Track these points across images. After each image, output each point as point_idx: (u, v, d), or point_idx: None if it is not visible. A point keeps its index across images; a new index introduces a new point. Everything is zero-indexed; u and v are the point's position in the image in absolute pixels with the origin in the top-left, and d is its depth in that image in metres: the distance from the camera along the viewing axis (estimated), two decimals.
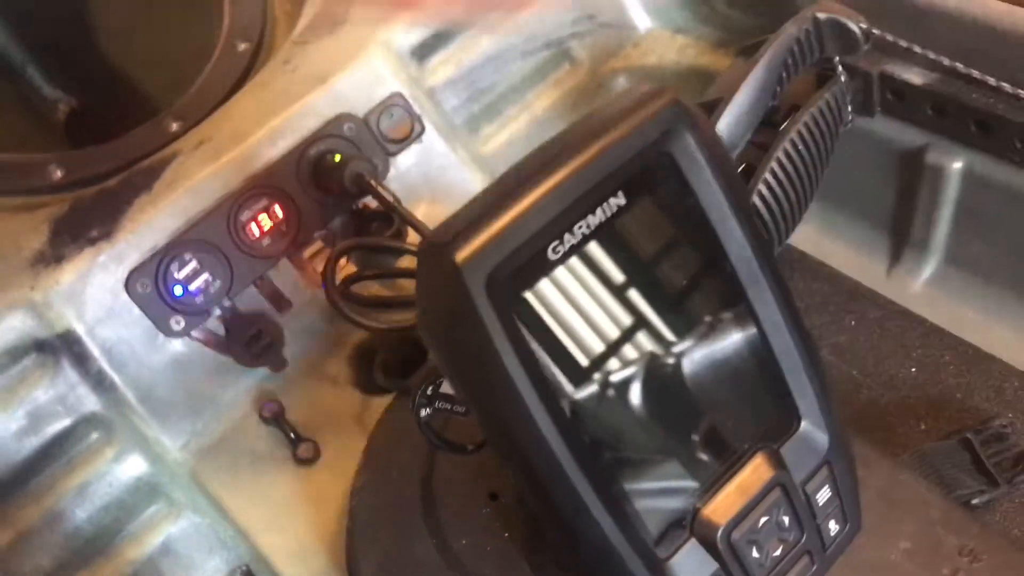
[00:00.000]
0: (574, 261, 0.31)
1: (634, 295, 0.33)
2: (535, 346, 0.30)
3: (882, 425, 0.65)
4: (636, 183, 0.31)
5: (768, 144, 0.63)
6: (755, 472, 0.36)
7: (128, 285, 0.64)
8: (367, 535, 0.51)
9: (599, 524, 0.32)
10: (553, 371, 0.31)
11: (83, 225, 0.65)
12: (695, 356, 0.34)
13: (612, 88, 0.80)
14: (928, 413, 0.65)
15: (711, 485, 0.35)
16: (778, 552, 0.36)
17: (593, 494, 0.32)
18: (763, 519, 0.35)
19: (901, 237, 0.71)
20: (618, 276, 0.32)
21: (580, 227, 0.31)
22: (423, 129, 0.72)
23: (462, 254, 0.28)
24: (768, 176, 0.62)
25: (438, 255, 0.28)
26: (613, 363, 0.32)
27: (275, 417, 0.65)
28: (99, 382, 0.63)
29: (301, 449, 0.63)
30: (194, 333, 0.66)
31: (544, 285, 0.30)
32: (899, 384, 0.67)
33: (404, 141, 0.71)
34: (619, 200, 0.31)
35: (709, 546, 0.35)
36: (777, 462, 0.36)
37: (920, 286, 0.71)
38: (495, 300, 0.29)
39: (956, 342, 0.67)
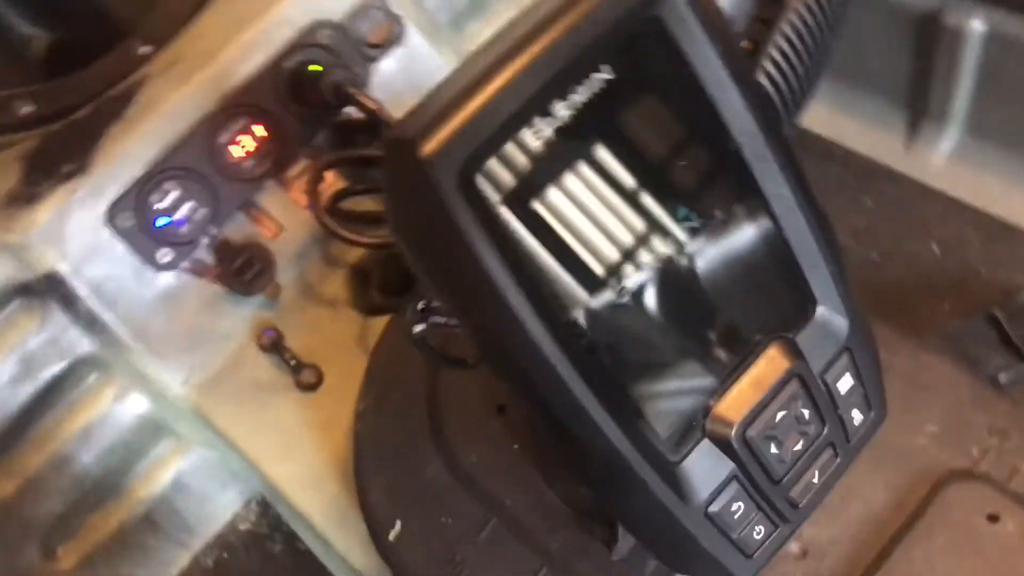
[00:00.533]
0: (559, 146, 0.28)
1: (631, 184, 0.29)
2: (520, 246, 0.28)
3: (905, 307, 0.62)
4: (621, 54, 0.28)
5: (773, 19, 0.59)
6: (770, 364, 0.33)
7: (109, 219, 0.61)
8: (374, 459, 0.50)
9: (602, 430, 0.30)
10: (542, 271, 0.28)
11: (56, 160, 0.62)
12: (703, 247, 0.31)
13: None
14: (952, 291, 0.62)
15: (724, 382, 0.32)
16: (799, 447, 0.34)
17: (595, 400, 0.29)
18: (780, 413, 0.33)
19: (918, 109, 0.67)
20: (612, 165, 0.29)
21: (562, 107, 0.27)
22: (404, 31, 0.68)
23: (428, 147, 0.25)
24: (773, 51, 0.58)
25: (402, 151, 0.25)
26: (608, 261, 0.29)
27: (274, 345, 0.63)
28: (90, 322, 0.62)
29: (303, 375, 0.61)
30: (183, 264, 0.63)
31: (527, 174, 0.27)
32: (921, 263, 0.64)
33: (385, 45, 0.67)
34: (603, 75, 0.28)
35: (724, 445, 0.32)
36: (793, 352, 0.33)
37: (940, 160, 0.67)
38: (470, 197, 0.26)
39: (979, 216, 0.64)
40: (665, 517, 0.32)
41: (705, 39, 0.29)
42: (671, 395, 0.32)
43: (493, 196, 0.27)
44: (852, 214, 0.67)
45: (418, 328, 0.39)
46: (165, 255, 0.63)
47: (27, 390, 0.61)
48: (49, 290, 0.60)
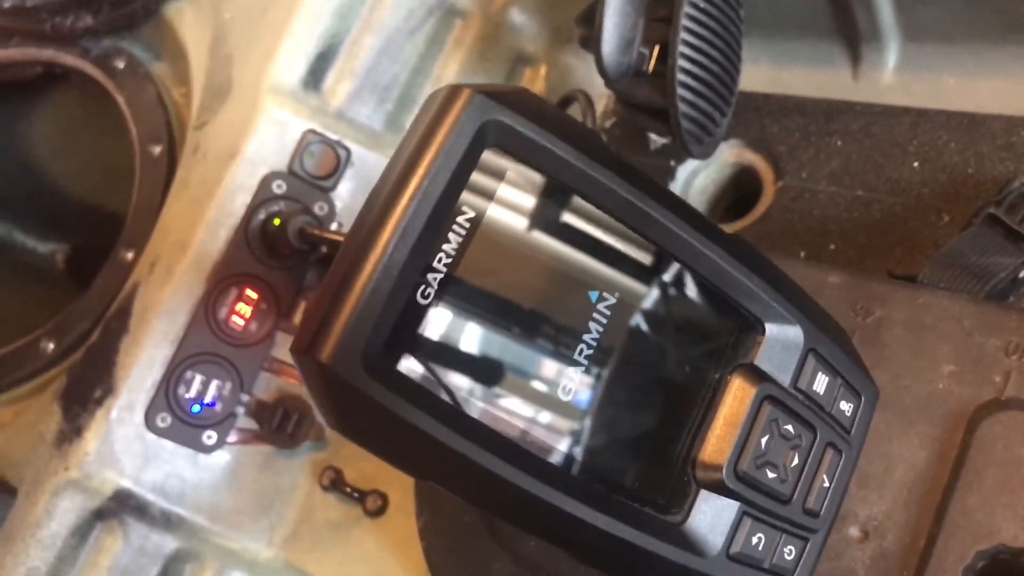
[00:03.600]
0: (453, 293, 0.29)
1: (531, 298, 0.31)
2: (448, 395, 0.29)
3: (905, 234, 0.62)
4: (477, 191, 0.29)
5: (671, 14, 0.59)
6: (737, 396, 0.34)
7: (148, 425, 0.65)
8: (447, 570, 0.52)
9: (600, 528, 0.31)
10: (480, 409, 0.29)
11: (86, 390, 0.66)
12: (627, 320, 0.32)
13: (513, 25, 0.76)
14: (946, 202, 0.61)
15: (698, 430, 0.33)
16: (795, 462, 0.34)
17: (574, 501, 0.31)
18: (765, 438, 0.34)
19: (850, 35, 0.66)
20: (509, 288, 0.30)
21: (440, 260, 0.29)
22: (348, 152, 0.70)
23: (324, 352, 0.27)
24: (685, 41, 0.58)
25: (307, 363, 0.27)
26: (545, 377, 0.31)
27: (333, 483, 0.66)
28: (166, 521, 0.65)
29: (368, 503, 0.64)
30: (229, 439, 0.67)
31: (430, 331, 0.29)
32: (906, 185, 0.63)
33: (336, 172, 0.69)
34: (467, 214, 0.29)
35: (720, 488, 0.33)
36: (755, 376, 0.34)
37: (890, 76, 0.67)
38: (386, 378, 0.28)
39: (947, 117, 0.63)
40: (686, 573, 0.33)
41: (549, 140, 0.30)
42: (652, 465, 0.33)
43: (413, 366, 0.28)
44: (825, 160, 0.67)
45: None
46: (210, 437, 0.66)
47: None
48: (120, 507, 0.64)
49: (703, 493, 0.34)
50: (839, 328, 0.36)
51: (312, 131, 0.69)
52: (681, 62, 0.58)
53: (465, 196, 0.29)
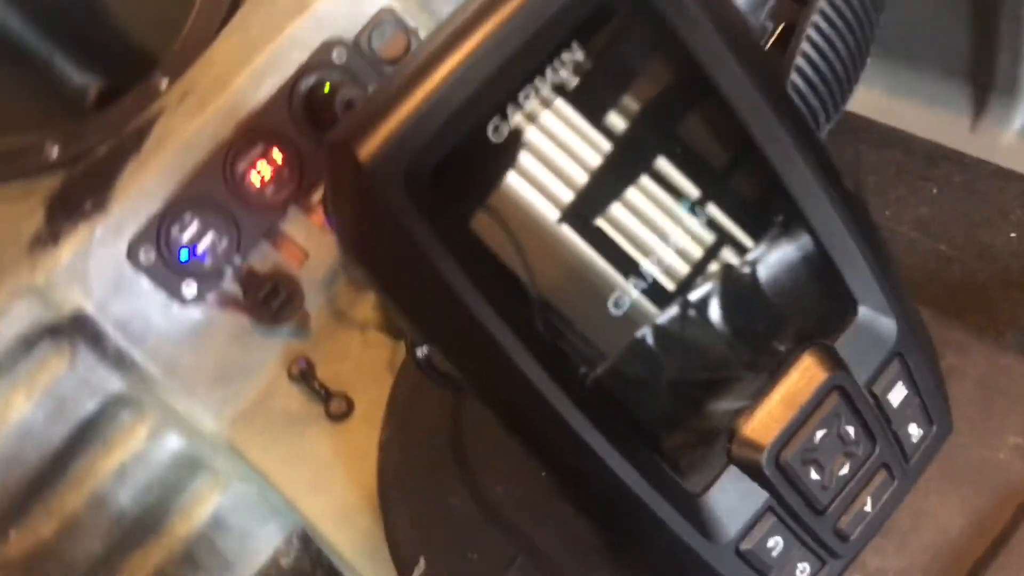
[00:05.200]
0: (528, 141, 0.24)
1: (621, 178, 0.26)
2: (490, 256, 0.24)
3: (980, 303, 0.56)
4: (593, 28, 0.24)
5: None
6: (804, 376, 0.28)
7: (131, 255, 0.60)
8: (398, 491, 0.47)
9: (605, 461, 0.26)
10: (519, 283, 0.24)
11: (76, 199, 0.61)
12: (714, 251, 0.27)
13: None
14: None
15: (752, 400, 0.28)
16: (845, 470, 0.29)
17: (592, 426, 0.25)
18: (820, 432, 0.28)
19: (983, 83, 0.61)
20: (592, 168, 0.25)
21: (526, 96, 0.24)
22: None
23: (366, 149, 0.22)
24: (812, 32, 0.53)
25: (340, 156, 0.22)
26: (595, 268, 0.25)
27: (303, 375, 0.61)
28: (119, 360, 0.60)
29: (332, 404, 0.59)
30: (209, 297, 0.62)
31: (488, 175, 0.24)
32: (996, 254, 0.58)
33: (401, 59, 0.64)
34: (574, 55, 0.24)
35: (754, 472, 0.28)
36: (831, 360, 0.29)
37: (1012, 137, 0.61)
38: (424, 204, 0.23)
39: None
40: (690, 558, 0.28)
41: (701, 13, 0.25)
42: (688, 417, 0.27)
43: (456, 204, 0.23)
44: (916, 204, 0.62)
45: (421, 351, 0.36)
46: (190, 289, 0.61)
47: (61, 430, 0.60)
48: (76, 330, 0.59)
49: (732, 470, 0.28)
50: (931, 343, 0.31)
51: (390, 9, 0.64)
52: (800, 58, 0.53)
53: (575, 45, 0.24)
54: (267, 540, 0.66)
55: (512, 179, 0.24)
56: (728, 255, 0.27)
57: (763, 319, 0.28)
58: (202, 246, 0.61)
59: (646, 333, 0.26)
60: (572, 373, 0.25)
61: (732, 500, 0.28)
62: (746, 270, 0.27)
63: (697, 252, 0.27)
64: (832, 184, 0.28)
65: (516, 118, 0.24)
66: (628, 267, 0.26)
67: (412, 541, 0.44)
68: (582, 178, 0.25)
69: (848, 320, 0.30)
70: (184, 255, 0.60)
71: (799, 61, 0.54)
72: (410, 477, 0.46)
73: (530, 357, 0.24)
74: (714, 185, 0.27)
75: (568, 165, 0.25)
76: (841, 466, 0.29)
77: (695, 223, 0.27)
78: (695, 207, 0.27)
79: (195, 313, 0.61)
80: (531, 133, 0.24)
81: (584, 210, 0.25)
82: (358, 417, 0.59)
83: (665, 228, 0.26)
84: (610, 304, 0.26)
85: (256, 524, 0.66)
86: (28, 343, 0.59)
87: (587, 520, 0.28)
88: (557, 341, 0.25)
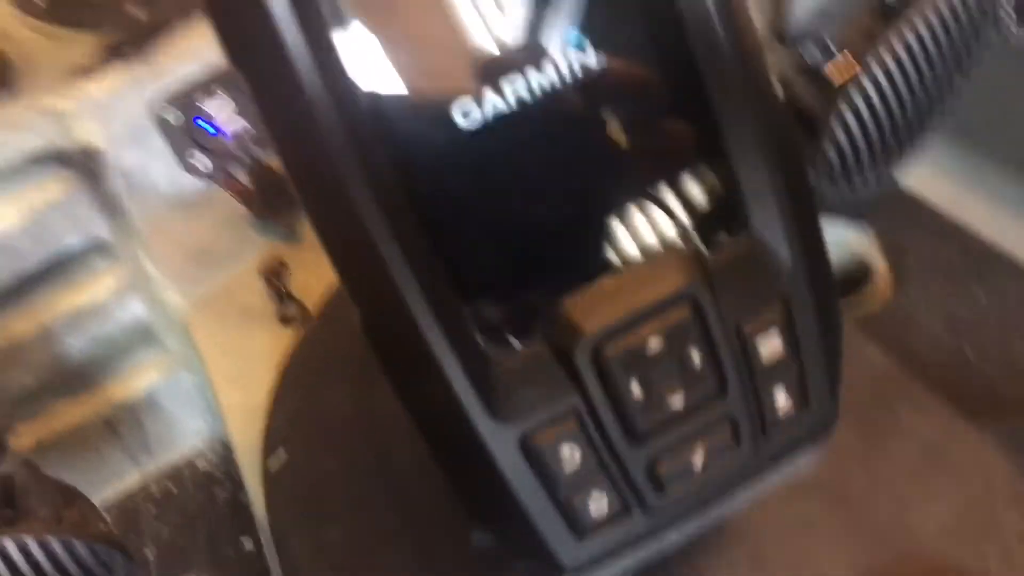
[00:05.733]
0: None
1: None
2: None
3: (992, 404, 0.50)
4: None
5: (881, 34, 0.50)
6: (657, 272, 0.24)
7: (157, 111, 0.60)
8: (290, 388, 0.44)
9: (395, 284, 0.22)
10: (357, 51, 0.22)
11: (128, 46, 0.62)
12: (594, 84, 0.24)
13: None
14: None
15: (588, 275, 0.24)
16: (678, 404, 0.25)
17: (391, 238, 0.22)
18: (655, 342, 0.24)
19: None
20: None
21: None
22: None
23: None
24: (875, 68, 0.49)
25: None
26: (440, 78, 0.23)
27: (273, 274, 0.59)
28: (112, 207, 0.61)
29: (287, 309, 0.57)
30: (216, 175, 0.61)
31: None
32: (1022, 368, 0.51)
33: None
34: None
35: (565, 359, 0.24)
36: (695, 266, 0.24)
37: None
38: None
39: None
40: (465, 431, 0.24)
41: None
42: (509, 273, 0.24)
43: None
44: (957, 304, 0.56)
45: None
46: (201, 161, 0.61)
47: (37, 255, 0.61)
48: (83, 163, 0.60)
49: (545, 351, 0.24)
50: (835, 312, 0.27)
51: None
52: (864, 82, 0.49)
53: None
54: (191, 437, 0.64)
55: None
56: (611, 102, 0.24)
57: (634, 186, 0.25)
58: (227, 126, 0.61)
59: (489, 158, 0.23)
60: (391, 177, 0.22)
61: (537, 387, 0.24)
62: (627, 128, 0.24)
63: (572, 90, 0.24)
64: (759, 84, 0.25)
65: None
66: (488, 77, 0.23)
67: (279, 431, 0.41)
68: None
69: (733, 238, 0.26)
70: (209, 127, 0.60)
71: (852, 102, 0.50)
72: (309, 374, 0.43)
73: (340, 127, 0.22)
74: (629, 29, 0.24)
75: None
76: (673, 394, 0.25)
77: (577, 60, 0.24)
78: (580, 42, 0.23)
79: (197, 187, 0.61)
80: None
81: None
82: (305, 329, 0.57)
83: (537, 48, 0.23)
84: (456, 109, 0.23)
85: (186, 417, 0.64)
86: (35, 162, 0.60)
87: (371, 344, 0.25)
88: (385, 131, 0.22)
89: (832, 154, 0.51)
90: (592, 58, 0.23)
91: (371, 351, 0.24)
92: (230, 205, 0.62)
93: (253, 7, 0.21)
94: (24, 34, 0.71)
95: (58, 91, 0.61)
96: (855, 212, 0.59)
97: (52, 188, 0.61)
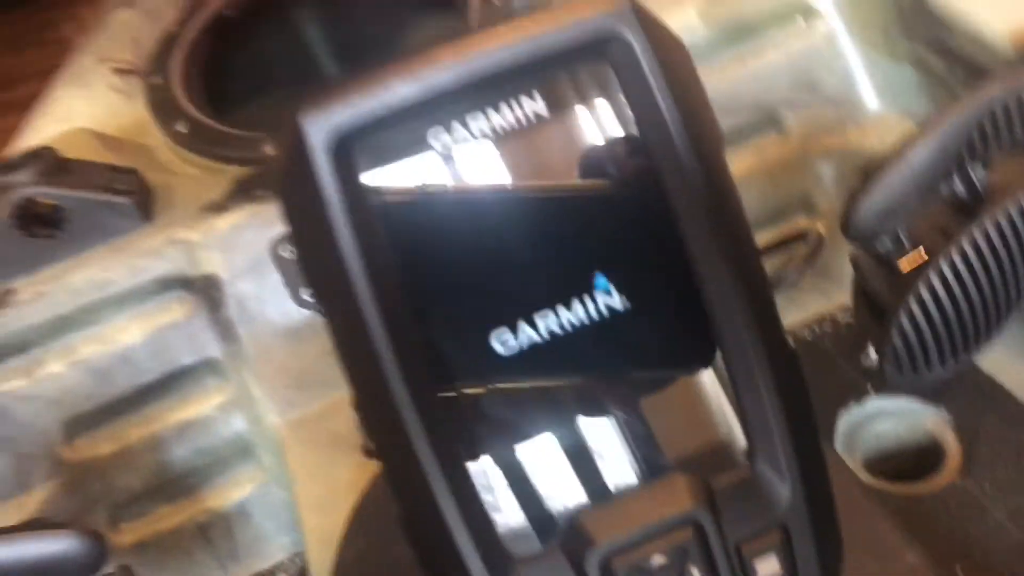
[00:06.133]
0: (456, 159, 0.26)
1: (537, 233, 0.27)
2: (381, 239, 0.26)
3: None
4: (557, 92, 0.27)
5: (957, 232, 0.52)
6: (667, 493, 0.27)
7: (274, 247, 0.67)
8: (361, 524, 0.48)
9: (432, 490, 0.26)
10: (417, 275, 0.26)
11: (257, 186, 0.69)
12: (616, 324, 0.27)
13: (821, 167, 0.72)
14: None
15: (606, 493, 0.28)
16: None
17: (428, 447, 0.26)
18: (659, 559, 0.27)
19: None
20: (520, 199, 0.27)
21: (477, 120, 0.26)
22: None
23: (308, 107, 0.25)
24: (944, 266, 0.51)
25: (290, 114, 0.26)
26: (489, 296, 0.27)
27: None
28: (227, 330, 0.67)
29: (368, 441, 0.61)
30: (320, 308, 0.67)
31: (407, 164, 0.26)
32: None
33: None
34: (536, 105, 0.26)
35: (577, 567, 0.27)
36: (700, 492, 0.27)
37: None
38: (341, 166, 0.26)
39: None
40: None
41: (658, 88, 0.26)
42: (534, 478, 0.27)
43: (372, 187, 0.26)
44: (1020, 492, 0.56)
45: None
46: (309, 295, 0.67)
47: (155, 370, 0.67)
48: (204, 290, 0.67)
49: (559, 556, 0.28)
50: (835, 535, 0.29)
51: None
52: (932, 278, 0.51)
53: (537, 95, 0.26)
54: (276, 549, 0.69)
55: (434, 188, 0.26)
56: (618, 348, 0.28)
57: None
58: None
59: (515, 383, 0.27)
60: (427, 383, 0.26)
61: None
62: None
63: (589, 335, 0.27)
64: (764, 327, 0.28)
65: (456, 135, 0.26)
66: (525, 311, 0.27)
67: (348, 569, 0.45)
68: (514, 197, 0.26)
69: (738, 466, 0.28)
70: None
71: (920, 298, 0.51)
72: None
73: (389, 345, 0.26)
74: (647, 274, 0.27)
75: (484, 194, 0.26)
76: None
77: (600, 304, 0.27)
78: (607, 292, 0.27)
79: (303, 318, 0.67)
80: (460, 153, 0.26)
81: (489, 245, 0.27)
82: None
83: (562, 293, 0.27)
84: (493, 339, 0.27)
85: (273, 530, 0.69)
86: (163, 286, 0.67)
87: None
88: (426, 347, 0.26)
89: (899, 342, 0.53)
90: (616, 300, 0.27)
91: (408, 542, 0.28)
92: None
93: (328, 247, 0.25)
94: (168, 160, 0.80)
95: (190, 224, 0.68)
96: (929, 393, 0.59)
97: (175, 310, 0.68)
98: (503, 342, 0.27)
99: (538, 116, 0.26)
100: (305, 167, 0.25)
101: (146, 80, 0.87)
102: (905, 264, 0.53)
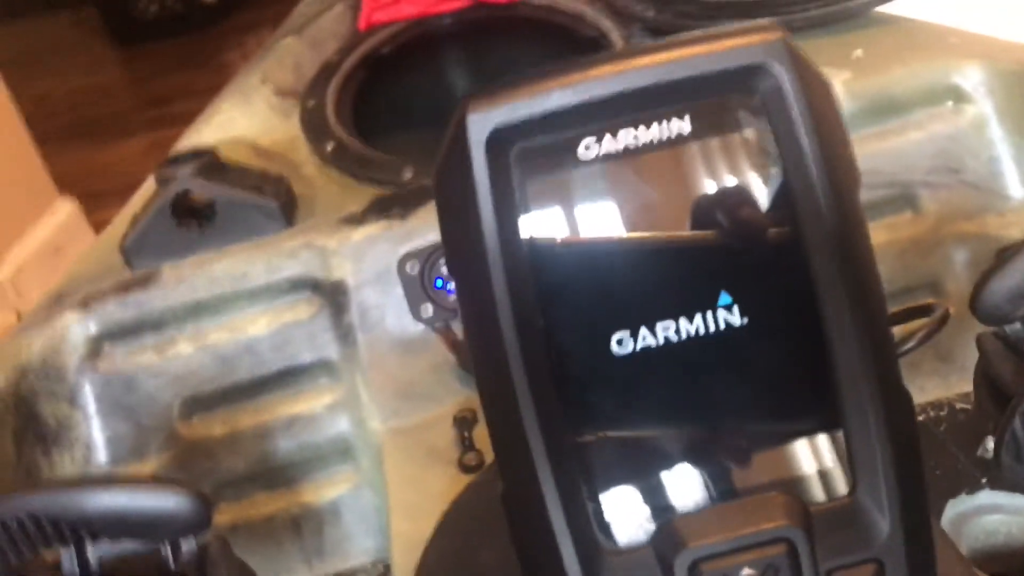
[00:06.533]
0: (611, 172, 0.28)
1: (674, 246, 0.29)
2: (529, 231, 0.28)
3: None
4: (704, 113, 0.28)
5: None
6: (763, 508, 0.28)
7: (400, 261, 0.71)
8: (448, 530, 0.49)
9: (533, 469, 0.28)
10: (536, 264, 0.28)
11: (392, 205, 0.74)
12: (720, 350, 0.28)
13: (955, 251, 0.71)
14: None
15: (703, 499, 0.28)
16: None
17: (537, 429, 0.28)
18: (746, 571, 0.28)
19: None
20: (662, 216, 0.29)
21: (628, 135, 0.28)
22: None
23: (477, 102, 0.28)
24: None
25: (460, 105, 0.28)
26: (602, 306, 0.28)
27: (462, 421, 0.66)
28: (346, 335, 0.70)
29: (466, 456, 0.63)
30: (437, 324, 0.70)
31: (559, 176, 0.28)
32: None
33: None
34: (683, 124, 0.28)
35: (665, 566, 0.28)
36: (796, 513, 0.28)
37: None
38: (495, 159, 0.28)
39: None
40: None
41: (800, 126, 0.27)
42: (638, 477, 0.28)
43: (519, 169, 0.28)
44: None
45: None
46: (428, 311, 0.70)
47: (275, 363, 0.71)
48: (331, 294, 0.71)
49: (648, 552, 0.28)
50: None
51: None
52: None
53: (688, 117, 0.28)
54: (360, 552, 0.70)
55: (579, 193, 0.28)
56: (736, 362, 0.28)
57: (752, 443, 0.28)
58: (454, 285, 0.70)
59: (635, 382, 0.28)
60: (547, 376, 0.28)
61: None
62: (748, 387, 0.28)
63: (710, 346, 0.28)
64: (881, 361, 0.28)
65: (606, 147, 0.28)
66: (646, 317, 0.28)
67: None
68: (628, 230, 0.28)
69: (840, 497, 0.29)
70: (439, 283, 0.70)
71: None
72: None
73: (516, 340, 0.27)
74: (769, 302, 0.28)
75: (621, 213, 0.28)
76: None
77: (721, 316, 0.28)
78: (730, 307, 0.28)
79: (418, 332, 0.70)
80: (612, 168, 0.28)
81: (622, 259, 0.28)
82: (484, 470, 0.63)
83: (687, 305, 0.28)
84: (613, 339, 0.29)
85: (361, 533, 0.71)
86: (294, 286, 0.72)
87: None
88: (547, 349, 0.28)
89: (1020, 431, 0.51)
90: (736, 318, 0.28)
91: (506, 518, 0.29)
92: (442, 353, 0.70)
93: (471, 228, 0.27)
94: (313, 175, 0.85)
95: (327, 232, 0.72)
96: None
97: (302, 310, 0.72)
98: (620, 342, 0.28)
99: (681, 137, 0.27)
100: (463, 156, 0.27)
101: (302, 102, 0.94)
102: None
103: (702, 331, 0.28)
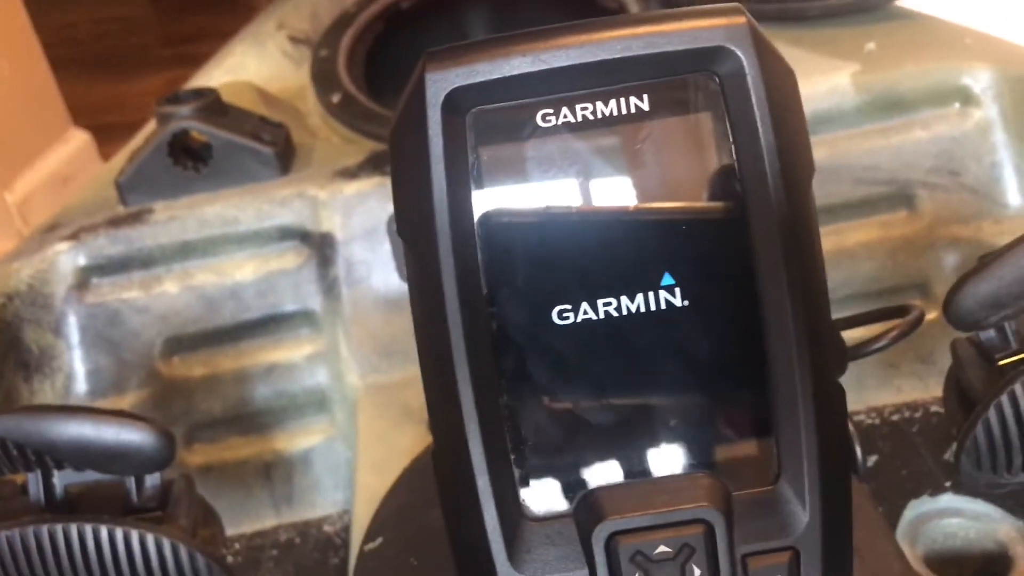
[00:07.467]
0: (565, 145, 0.28)
1: (622, 223, 0.29)
2: (479, 197, 0.28)
3: None
4: (663, 92, 0.28)
5: None
6: (685, 488, 0.28)
7: (390, 220, 0.71)
8: (406, 483, 0.50)
9: (463, 429, 0.28)
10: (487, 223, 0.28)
11: (387, 162, 0.73)
12: (670, 327, 0.28)
13: (946, 254, 0.70)
14: None
15: (627, 473, 0.29)
16: None
17: (471, 391, 0.28)
18: (661, 547, 0.28)
19: None
20: (615, 193, 0.29)
21: (586, 108, 0.28)
22: None
23: (437, 61, 0.28)
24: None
25: (421, 62, 0.28)
26: (548, 273, 0.28)
27: None
28: (330, 288, 0.71)
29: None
30: None
31: (513, 145, 0.28)
32: None
33: None
34: (641, 102, 0.28)
35: (584, 535, 0.28)
36: (717, 496, 0.28)
37: None
38: (451, 120, 0.28)
39: None
40: (486, 570, 0.29)
41: (757, 112, 0.27)
42: (567, 448, 0.29)
43: (475, 132, 0.28)
44: None
45: None
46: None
47: (258, 308, 0.72)
48: (319, 246, 0.71)
49: (569, 523, 0.29)
50: (848, 567, 0.29)
51: None
52: (1020, 389, 0.49)
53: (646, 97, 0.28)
54: (328, 503, 0.71)
55: (532, 164, 0.28)
56: (675, 342, 0.29)
57: (686, 415, 0.29)
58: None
59: (573, 353, 0.29)
60: (485, 339, 0.28)
61: (556, 551, 0.29)
62: (685, 365, 0.28)
63: (650, 324, 0.28)
64: (815, 354, 0.28)
65: (563, 118, 0.28)
66: (589, 291, 0.28)
67: (383, 516, 0.47)
68: (579, 204, 0.28)
69: (760, 482, 0.29)
70: None
71: (1017, 388, 0.50)
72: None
73: (456, 301, 0.28)
74: (708, 282, 0.28)
75: (572, 188, 0.28)
76: None
77: (662, 296, 0.28)
78: (672, 290, 0.28)
79: (403, 291, 0.70)
80: (567, 141, 0.28)
81: (570, 232, 0.28)
82: None
83: (631, 283, 0.28)
84: (554, 311, 0.29)
85: (330, 484, 0.71)
86: (283, 235, 0.72)
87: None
88: (488, 313, 0.28)
89: (982, 439, 0.51)
90: (677, 300, 0.28)
91: (435, 476, 0.30)
92: None
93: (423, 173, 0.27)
94: (316, 126, 0.85)
95: (320, 183, 0.72)
96: (1007, 500, 0.57)
97: (289, 259, 0.72)
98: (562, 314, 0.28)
99: (639, 113, 0.27)
100: (420, 115, 0.27)
101: (315, 51, 0.93)
102: (1006, 361, 0.51)
103: (643, 308, 0.28)
